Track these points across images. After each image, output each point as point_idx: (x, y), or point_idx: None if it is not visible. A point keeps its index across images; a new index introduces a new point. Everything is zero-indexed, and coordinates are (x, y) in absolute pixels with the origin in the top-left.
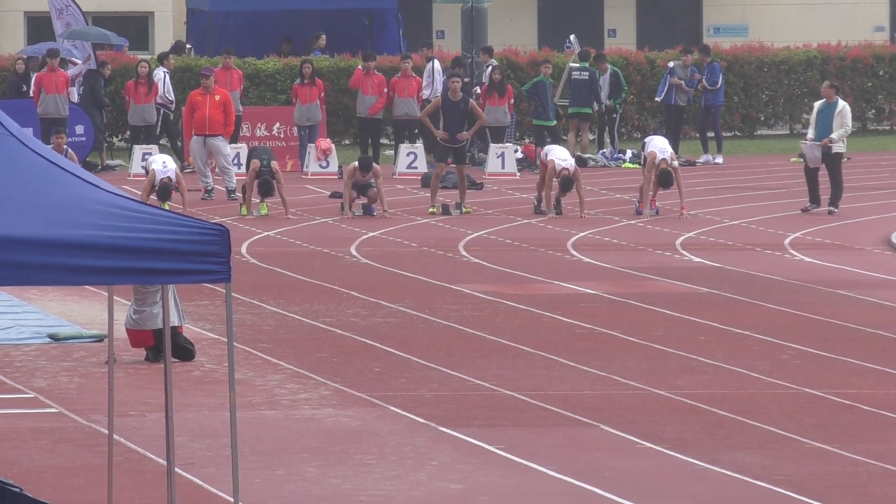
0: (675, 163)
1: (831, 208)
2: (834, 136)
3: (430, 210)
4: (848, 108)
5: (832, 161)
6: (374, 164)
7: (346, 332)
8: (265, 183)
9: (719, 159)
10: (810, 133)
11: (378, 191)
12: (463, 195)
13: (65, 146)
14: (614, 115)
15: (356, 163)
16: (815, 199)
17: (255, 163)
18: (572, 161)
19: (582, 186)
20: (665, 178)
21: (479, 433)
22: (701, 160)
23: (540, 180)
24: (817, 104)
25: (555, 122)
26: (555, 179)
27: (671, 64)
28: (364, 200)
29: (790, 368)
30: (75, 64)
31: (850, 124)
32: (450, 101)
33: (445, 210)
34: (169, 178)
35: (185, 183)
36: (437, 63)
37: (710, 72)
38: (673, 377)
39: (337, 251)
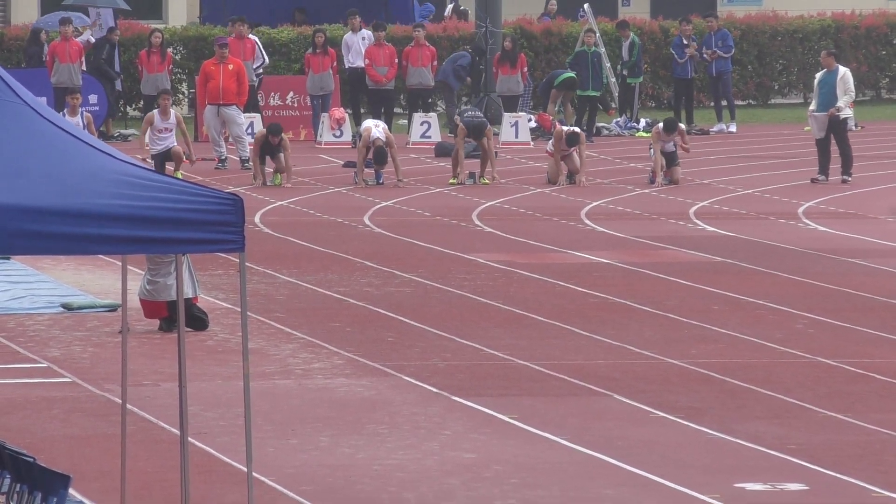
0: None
1: (844, 177)
2: (840, 103)
3: (451, 181)
4: (849, 74)
5: (839, 129)
6: (389, 134)
7: (359, 301)
8: (268, 145)
9: (733, 128)
10: (813, 104)
11: (392, 159)
12: (483, 166)
13: (79, 107)
14: (633, 85)
15: (368, 125)
16: (824, 170)
17: (262, 130)
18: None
19: (584, 152)
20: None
21: (493, 402)
22: (714, 129)
23: (551, 166)
24: (818, 75)
25: (598, 93)
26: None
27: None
28: (369, 175)
29: (804, 338)
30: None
31: (853, 89)
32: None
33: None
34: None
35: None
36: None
37: (722, 38)
38: (686, 346)
39: (350, 220)
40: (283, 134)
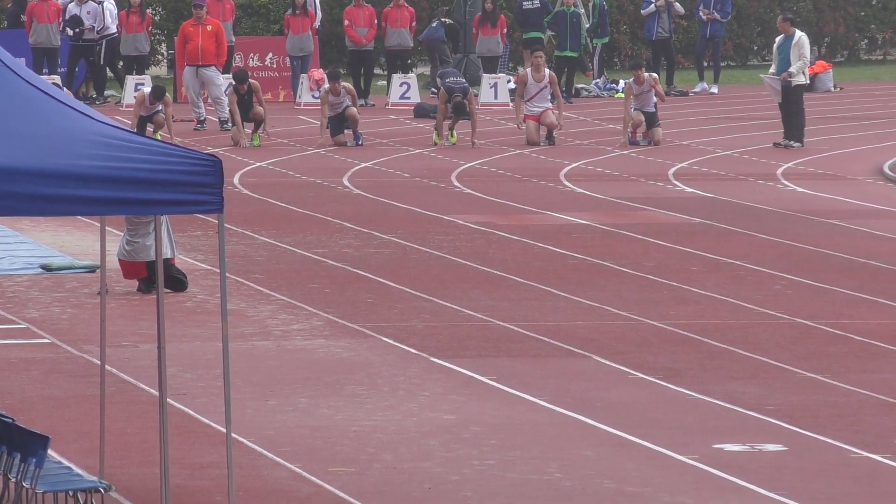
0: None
1: (795, 143)
2: (792, 69)
3: (435, 141)
4: (805, 39)
5: (793, 94)
6: (348, 85)
7: (338, 262)
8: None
9: (714, 89)
10: (772, 68)
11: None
12: (453, 125)
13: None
14: (592, 47)
15: (326, 85)
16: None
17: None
18: None
19: (559, 92)
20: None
21: (471, 364)
22: (697, 89)
23: (529, 129)
24: (777, 39)
25: (576, 55)
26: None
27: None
28: (349, 137)
29: (782, 298)
30: None
31: (808, 55)
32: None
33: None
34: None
35: (171, 110)
36: None
37: (722, 2)
38: (665, 307)
39: (329, 182)
40: (250, 80)
